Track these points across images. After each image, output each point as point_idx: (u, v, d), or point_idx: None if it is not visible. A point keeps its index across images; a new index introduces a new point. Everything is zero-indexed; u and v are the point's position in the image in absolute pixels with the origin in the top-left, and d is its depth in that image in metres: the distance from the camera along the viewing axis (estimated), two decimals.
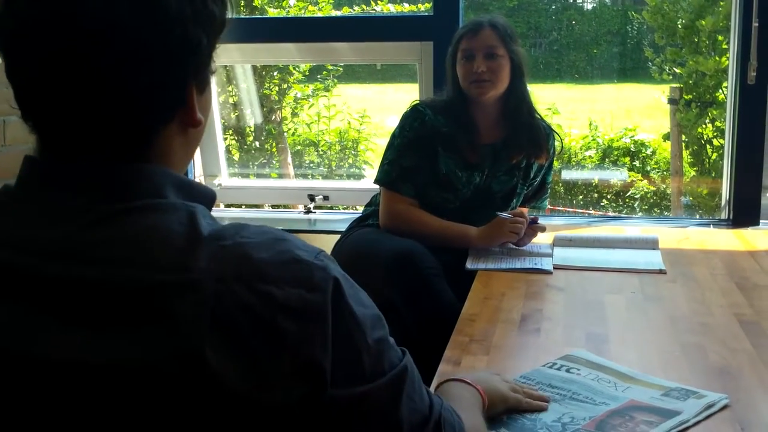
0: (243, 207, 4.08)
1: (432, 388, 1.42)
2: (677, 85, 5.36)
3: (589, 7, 7.83)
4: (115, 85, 0.84)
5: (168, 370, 0.78)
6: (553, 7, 7.82)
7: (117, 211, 0.84)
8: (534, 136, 2.67)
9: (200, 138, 0.98)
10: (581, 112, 6.71)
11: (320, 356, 0.83)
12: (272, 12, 4.83)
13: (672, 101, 5.32)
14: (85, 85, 0.84)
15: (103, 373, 0.79)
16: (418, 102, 2.72)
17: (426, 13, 3.50)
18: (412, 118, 2.63)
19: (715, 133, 5.28)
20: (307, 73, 5.04)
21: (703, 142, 5.35)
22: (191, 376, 0.78)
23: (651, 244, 2.56)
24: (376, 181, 2.67)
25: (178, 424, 0.79)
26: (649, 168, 6.05)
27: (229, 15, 0.94)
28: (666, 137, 5.90)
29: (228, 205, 3.99)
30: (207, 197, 0.94)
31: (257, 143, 5.01)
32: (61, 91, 0.84)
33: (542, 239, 2.61)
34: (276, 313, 0.81)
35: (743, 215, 3.21)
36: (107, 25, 0.83)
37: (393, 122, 2.72)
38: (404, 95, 5.67)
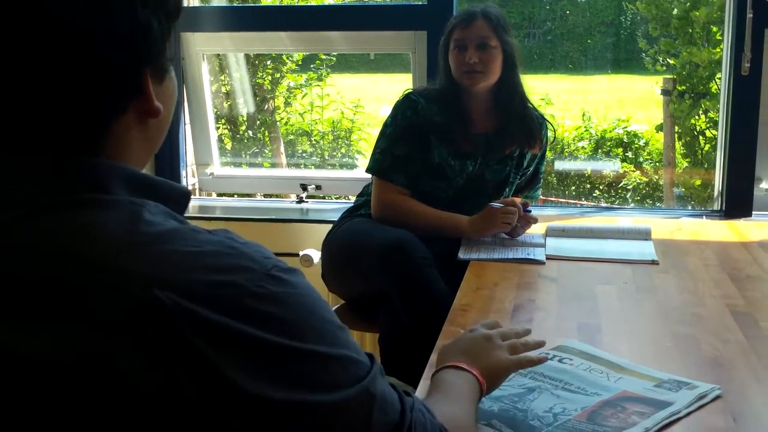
0: (235, 196, 4.07)
1: (425, 381, 1.41)
2: (671, 76, 5.36)
3: None
4: (59, 73, 0.80)
5: (79, 370, 0.75)
6: None
7: (54, 204, 0.81)
8: (527, 127, 2.67)
9: (163, 129, 0.93)
10: (574, 103, 6.71)
11: (249, 384, 0.77)
12: (265, 0, 4.80)
13: (665, 92, 5.32)
14: (26, 74, 0.80)
15: (12, 363, 0.76)
16: (410, 91, 2.71)
17: (419, 3, 3.49)
18: (405, 106, 2.62)
19: (708, 125, 5.29)
20: (300, 63, 5.02)
21: (696, 133, 5.35)
22: (103, 379, 0.75)
23: (644, 234, 2.56)
24: (368, 170, 2.66)
25: (84, 426, 0.76)
26: (641, 159, 6.06)
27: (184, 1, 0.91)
28: (659, 128, 5.91)
29: (220, 194, 3.98)
30: (173, 194, 0.89)
31: (250, 132, 4.99)
32: (1, 83, 0.81)
33: (535, 229, 2.61)
34: (197, 333, 0.76)
35: (736, 206, 3.21)
36: (46, 7, 0.79)
37: (386, 112, 2.71)
38: (398, 85, 5.65)
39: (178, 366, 0.76)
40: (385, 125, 2.66)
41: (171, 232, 0.82)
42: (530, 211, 2.55)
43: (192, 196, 2.55)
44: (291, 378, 0.80)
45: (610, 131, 6.17)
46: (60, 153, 0.83)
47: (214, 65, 4.20)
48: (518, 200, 2.63)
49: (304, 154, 5.53)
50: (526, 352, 1.38)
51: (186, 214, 0.92)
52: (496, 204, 2.50)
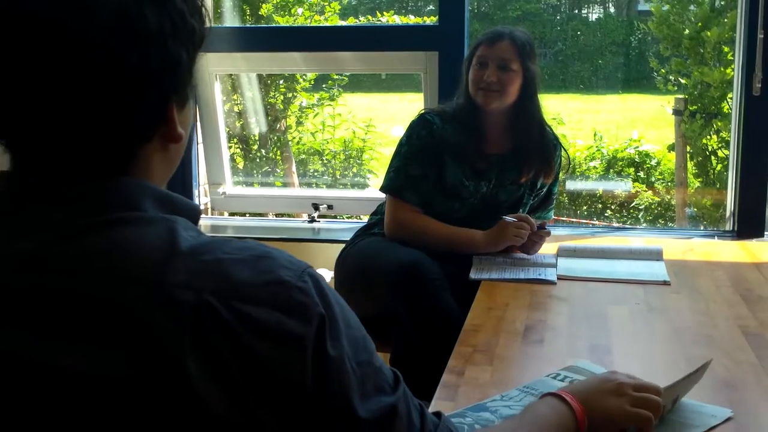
0: (247, 215, 4.08)
1: (436, 402, 1.41)
2: (682, 95, 5.36)
3: (594, 17, 7.85)
4: (93, 104, 0.83)
5: (147, 384, 0.77)
6: (558, 17, 7.83)
7: (94, 223, 0.83)
8: (545, 157, 2.67)
9: (181, 152, 0.96)
10: (586, 123, 6.72)
11: (299, 381, 0.82)
12: (280, 19, 4.84)
13: (677, 112, 5.32)
14: (62, 106, 0.82)
15: (78, 383, 0.77)
16: (426, 110, 2.71)
17: (431, 24, 3.50)
18: (420, 126, 2.63)
19: (719, 144, 5.28)
20: (312, 82, 5.05)
21: (707, 153, 5.35)
22: (172, 391, 0.77)
23: (655, 255, 2.56)
24: (382, 189, 2.67)
25: None
26: (653, 179, 6.05)
27: (208, 27, 0.92)
28: (671, 148, 5.90)
29: (232, 214, 3.99)
30: (189, 211, 0.92)
31: (262, 152, 5.02)
32: (37, 111, 0.83)
33: (546, 249, 2.61)
34: (252, 334, 0.80)
35: (748, 227, 3.20)
36: (86, 43, 0.81)
37: (398, 131, 2.73)
38: (409, 104, 5.68)
39: (236, 367, 0.79)
40: (400, 144, 2.67)
41: (209, 243, 0.85)
42: (545, 228, 2.55)
43: (204, 215, 2.55)
44: (334, 382, 0.84)
45: (622, 151, 6.17)
46: (91, 176, 0.86)
47: (227, 85, 4.23)
48: (532, 219, 2.61)
49: (315, 174, 5.55)
50: (648, 408, 1.26)
51: None
52: (508, 218, 2.51)
